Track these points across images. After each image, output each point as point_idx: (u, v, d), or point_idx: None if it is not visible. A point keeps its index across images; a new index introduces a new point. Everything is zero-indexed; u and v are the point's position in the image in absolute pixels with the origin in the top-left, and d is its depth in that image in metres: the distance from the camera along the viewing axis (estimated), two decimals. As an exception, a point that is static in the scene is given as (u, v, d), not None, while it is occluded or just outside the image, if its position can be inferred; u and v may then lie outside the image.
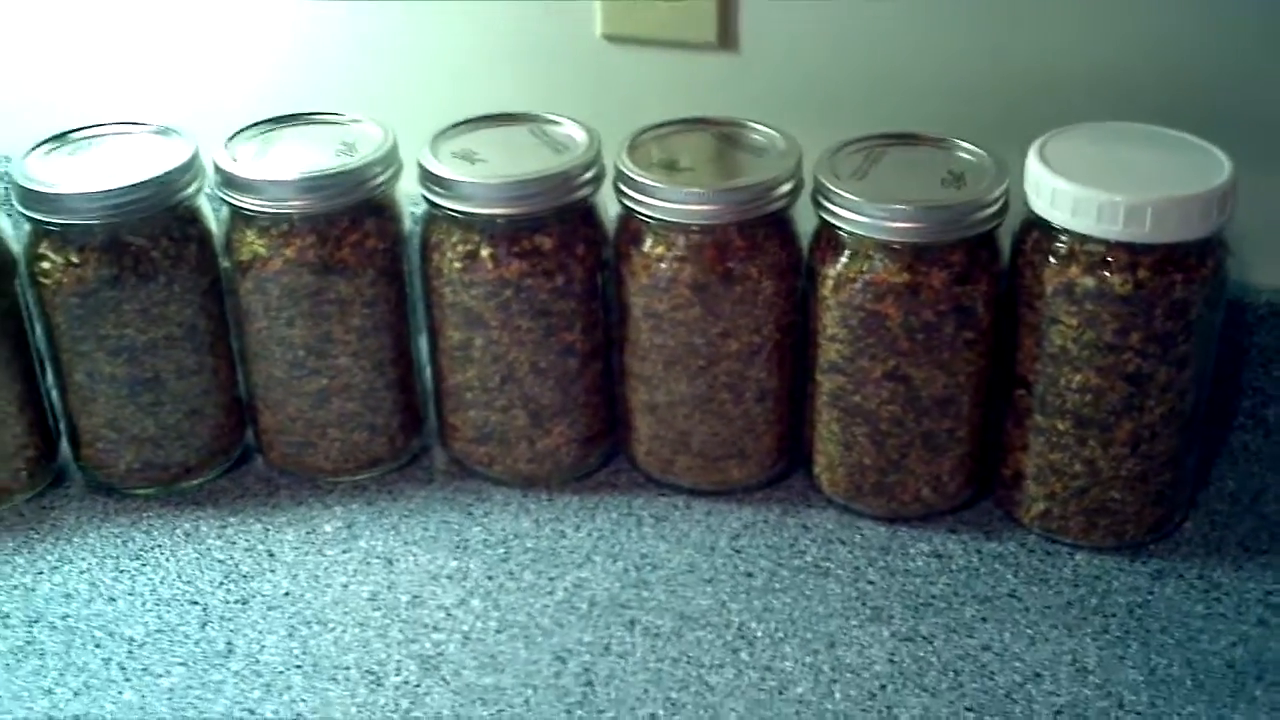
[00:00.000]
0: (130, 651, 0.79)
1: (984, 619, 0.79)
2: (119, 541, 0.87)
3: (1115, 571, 0.82)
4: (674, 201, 0.80)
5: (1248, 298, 0.89)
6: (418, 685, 0.76)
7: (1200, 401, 0.81)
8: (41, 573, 0.85)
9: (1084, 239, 0.76)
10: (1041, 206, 0.77)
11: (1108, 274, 0.76)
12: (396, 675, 0.77)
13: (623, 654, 0.78)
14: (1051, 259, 0.78)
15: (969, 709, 0.74)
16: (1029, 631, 0.78)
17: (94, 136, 0.88)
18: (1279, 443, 0.92)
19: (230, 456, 0.92)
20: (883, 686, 0.75)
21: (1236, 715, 0.73)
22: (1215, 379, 0.85)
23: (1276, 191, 0.85)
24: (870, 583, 0.82)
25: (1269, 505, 0.87)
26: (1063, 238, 0.77)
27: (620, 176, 0.83)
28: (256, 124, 0.88)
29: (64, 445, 0.92)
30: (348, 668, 0.77)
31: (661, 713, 0.74)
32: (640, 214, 0.82)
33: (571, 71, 0.96)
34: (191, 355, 0.87)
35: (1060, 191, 0.76)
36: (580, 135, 0.86)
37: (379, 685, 0.76)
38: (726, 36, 0.92)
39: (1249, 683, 0.75)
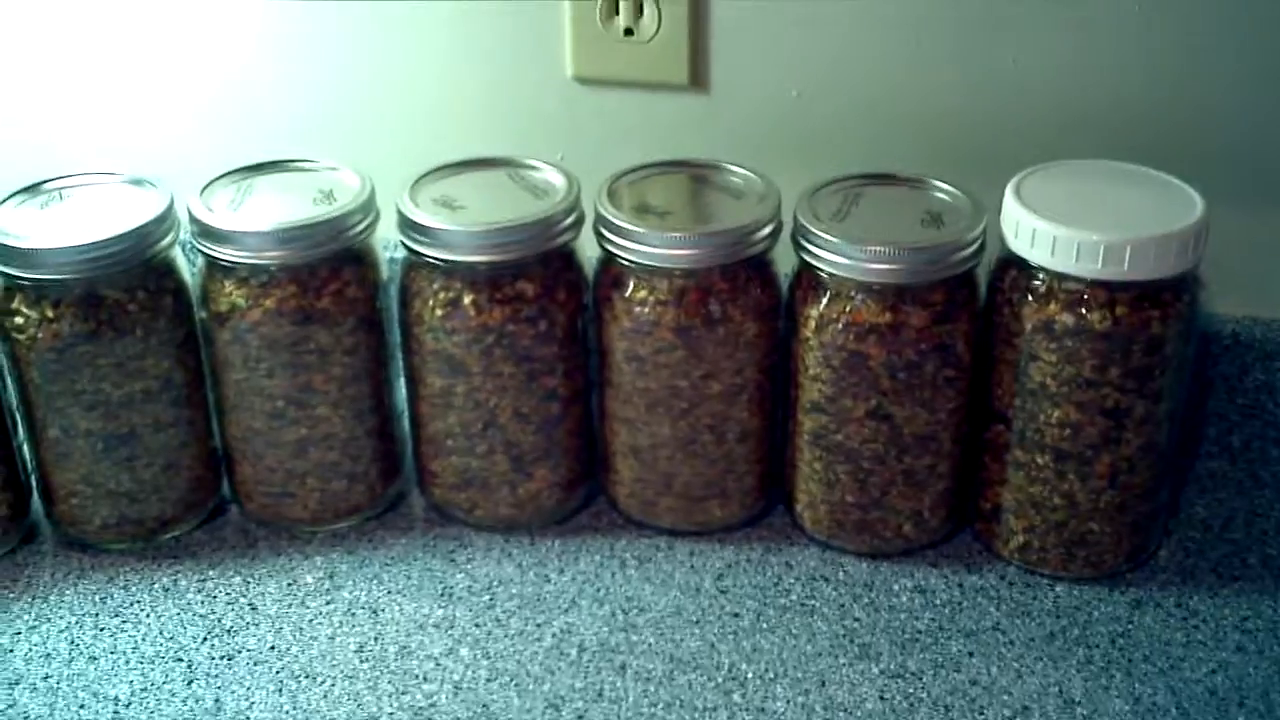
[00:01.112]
0: (116, 712, 0.78)
1: (970, 653, 0.80)
2: (97, 598, 0.86)
3: (1095, 602, 0.84)
4: (657, 246, 0.81)
5: (1213, 327, 0.91)
6: (412, 737, 0.76)
7: (1174, 433, 0.83)
8: (19, 632, 0.83)
9: (1062, 277, 0.77)
10: (1020, 246, 0.78)
11: (1086, 311, 0.77)
12: (390, 728, 0.77)
13: (615, 699, 0.78)
14: (1030, 297, 0.79)
15: (962, 744, 0.75)
16: (1015, 665, 0.79)
17: (65, 188, 0.87)
18: (1245, 469, 0.94)
19: (206, 508, 0.92)
20: (876, 724, 0.76)
21: (1223, 743, 0.75)
22: (1184, 411, 0.87)
23: (1239, 225, 0.87)
24: (856, 620, 0.83)
25: (1238, 531, 0.89)
26: (1041, 276, 0.78)
27: (601, 221, 0.83)
28: (231, 172, 0.88)
29: (35, 501, 0.91)
30: (340, 721, 0.77)
31: (658, 757, 0.75)
32: (622, 259, 0.82)
33: (542, 112, 0.96)
34: (168, 408, 0.86)
35: (1040, 231, 0.77)
36: (558, 179, 0.86)
37: (372, 738, 0.76)
38: (698, 77, 0.93)
39: (1232, 709, 0.76)
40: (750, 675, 0.79)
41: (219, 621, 0.84)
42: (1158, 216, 0.77)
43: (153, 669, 0.81)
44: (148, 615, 0.84)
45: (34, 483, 0.90)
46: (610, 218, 0.82)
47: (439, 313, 0.83)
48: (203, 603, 0.85)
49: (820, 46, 0.91)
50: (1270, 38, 0.85)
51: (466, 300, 0.83)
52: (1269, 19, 0.85)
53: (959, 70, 0.89)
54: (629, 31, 0.92)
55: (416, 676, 0.79)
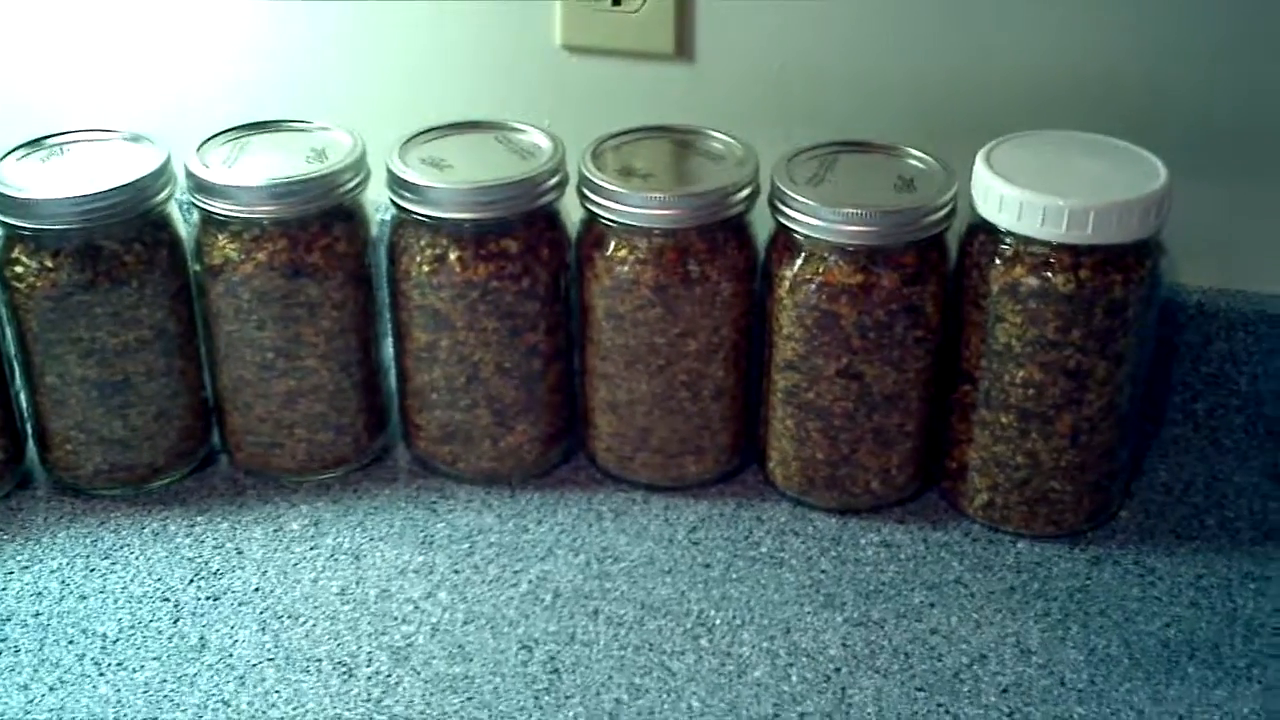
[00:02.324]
0: (104, 647, 0.80)
1: (932, 604, 0.83)
2: (88, 541, 0.88)
3: (1055, 558, 0.86)
4: (637, 206, 0.83)
5: (1179, 297, 0.93)
6: (389, 675, 0.78)
7: (1135, 396, 0.85)
8: (11, 572, 0.86)
9: (1028, 241, 0.80)
10: (988, 210, 0.81)
11: (1051, 274, 0.80)
12: (368, 666, 0.79)
13: (587, 642, 0.80)
14: (997, 260, 0.81)
15: (919, 689, 0.77)
16: (974, 616, 0.82)
17: (67, 143, 0.90)
18: (1208, 436, 0.97)
19: (197, 457, 0.94)
20: (837, 669, 0.78)
21: (1171, 691, 0.77)
22: (1148, 376, 0.89)
23: (1204, 196, 0.90)
24: (823, 572, 0.85)
25: (1198, 495, 0.92)
26: (1008, 240, 0.81)
27: (584, 182, 0.86)
28: (227, 130, 0.90)
29: (31, 447, 0.94)
30: (320, 660, 0.79)
31: (626, 698, 0.77)
32: (604, 218, 0.85)
33: (532, 80, 0.99)
34: (161, 358, 0.89)
35: (1007, 197, 0.79)
36: (545, 142, 0.88)
37: (351, 676, 0.78)
38: (683, 47, 0.96)
39: (1182, 660, 0.79)
40: (718, 621, 0.82)
41: (206, 564, 0.86)
42: (1122, 183, 0.80)
43: (140, 608, 0.83)
44: (137, 557, 0.87)
45: (30, 429, 0.93)
46: (593, 178, 0.85)
47: (425, 268, 0.86)
48: (190, 546, 0.88)
49: (802, 19, 0.93)
50: (1237, 10, 0.87)
51: (452, 256, 0.85)
52: (1235, -5, 0.87)
53: (935, 44, 0.92)
54: (617, 1, 0.95)
55: (395, 618, 0.82)
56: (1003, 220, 0.80)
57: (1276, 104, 0.89)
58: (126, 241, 0.86)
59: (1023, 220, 0.79)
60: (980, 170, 0.82)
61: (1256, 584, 0.84)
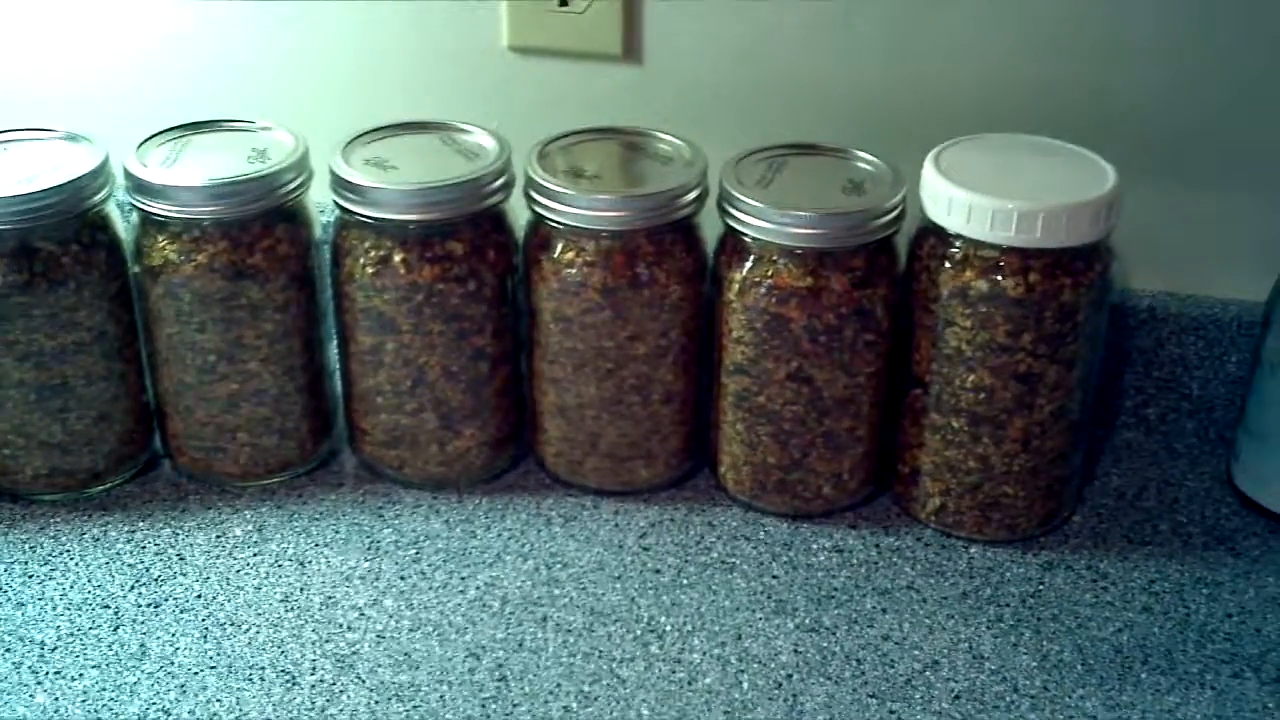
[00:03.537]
0: (42, 655, 0.79)
1: (884, 610, 0.82)
2: (26, 547, 0.87)
3: (1008, 563, 0.86)
4: (584, 208, 0.82)
5: (1129, 302, 0.93)
6: (333, 684, 0.77)
7: (1087, 400, 0.85)
8: (-53, 579, 0.84)
9: (978, 244, 0.79)
10: (938, 214, 0.80)
11: (1000, 278, 0.79)
12: (312, 674, 0.78)
13: (535, 650, 0.79)
14: (947, 264, 0.81)
15: (871, 696, 0.76)
16: (927, 621, 0.81)
17: (3, 141, 0.88)
18: (1160, 440, 0.96)
19: (138, 462, 0.93)
20: (788, 676, 0.78)
21: (1124, 696, 0.76)
22: (1100, 381, 0.89)
23: (1155, 202, 0.90)
24: (774, 577, 0.85)
25: (1150, 500, 0.91)
26: (958, 243, 0.80)
27: (531, 183, 0.85)
28: (167, 130, 0.89)
29: (-33, 452, 0.92)
30: (263, 668, 0.78)
31: (575, 705, 0.76)
32: (551, 220, 0.84)
33: (478, 81, 0.97)
34: (100, 361, 0.87)
35: (956, 199, 0.79)
36: (490, 143, 0.87)
37: (294, 684, 0.77)
38: (631, 49, 0.95)
39: (1135, 665, 0.78)
40: (669, 628, 0.81)
41: (147, 571, 0.85)
42: (1071, 187, 0.80)
43: (79, 615, 0.82)
44: (76, 564, 0.85)
45: (-34, 434, 0.91)
46: (539, 180, 0.84)
47: (369, 270, 0.85)
48: (131, 553, 0.86)
49: (749, 21, 0.92)
50: (1184, 15, 0.87)
51: (397, 259, 0.84)
52: (1187, -1, 0.87)
53: (883, 48, 0.92)
54: (563, 2, 0.94)
55: (340, 625, 0.81)
56: (952, 223, 0.80)
57: (1224, 107, 0.89)
58: (64, 242, 0.84)
59: (972, 223, 0.79)
60: (929, 173, 0.82)
61: (1209, 589, 0.84)
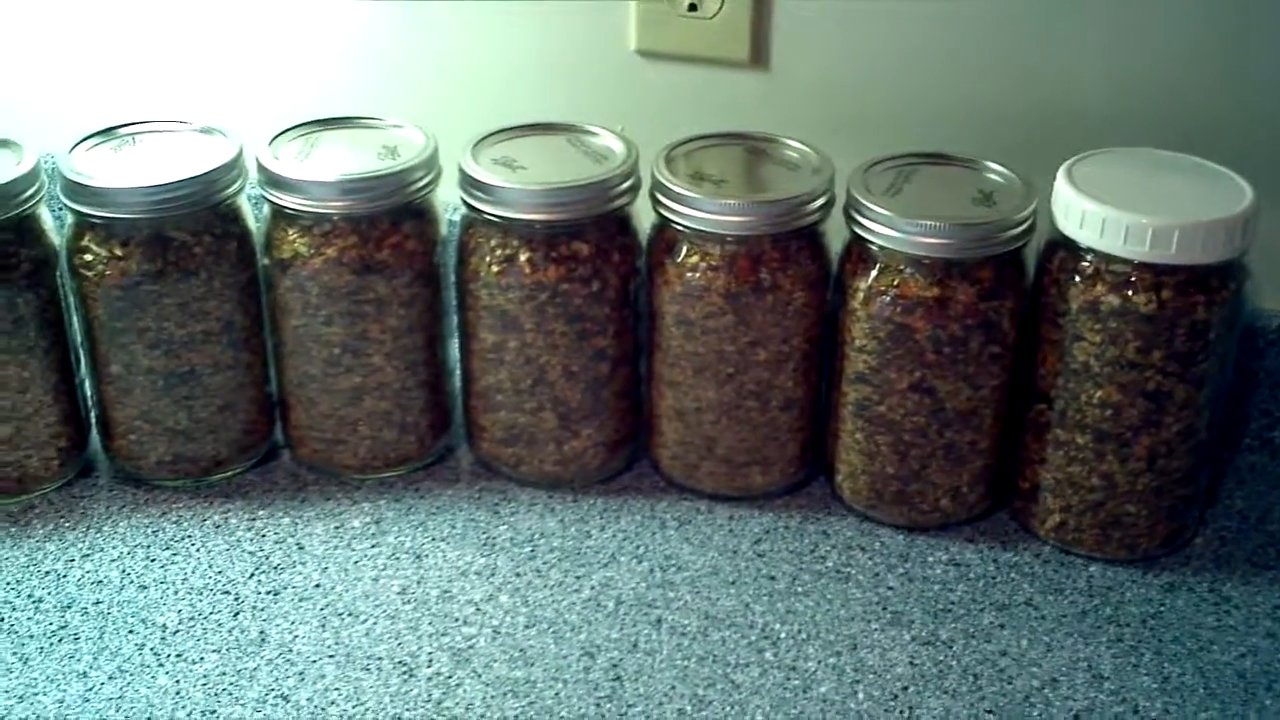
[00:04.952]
0: (164, 638, 0.80)
1: (1001, 626, 0.81)
2: (149, 531, 0.88)
3: (1128, 583, 0.84)
4: (710, 212, 0.82)
5: (1259, 322, 0.92)
6: (450, 677, 0.77)
7: (1214, 420, 0.83)
8: (73, 560, 0.86)
9: (1110, 259, 0.78)
10: (1069, 227, 0.80)
11: (1132, 293, 0.78)
12: (429, 667, 0.78)
13: (650, 651, 0.79)
14: (1077, 278, 0.80)
15: (989, 712, 0.76)
16: (1045, 639, 0.80)
17: (138, 133, 0.90)
18: (1284, 464, 0.95)
19: (259, 451, 0.94)
20: (905, 688, 0.77)
21: (1248, 723, 0.75)
22: (1226, 401, 0.88)
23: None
24: (890, 588, 0.84)
25: (1275, 524, 0.90)
26: (1089, 257, 0.79)
27: (657, 186, 0.85)
28: (300, 125, 0.90)
29: (94, 436, 0.93)
30: (380, 658, 0.79)
31: (689, 709, 0.76)
32: (676, 224, 0.84)
33: (606, 85, 0.98)
34: (227, 350, 0.89)
35: (1089, 213, 0.78)
36: (618, 146, 0.88)
37: (411, 676, 0.78)
38: (759, 55, 0.95)
39: (1259, 692, 0.77)
40: (783, 635, 0.80)
41: (266, 559, 0.86)
42: (1207, 203, 0.78)
43: (200, 600, 0.83)
44: (198, 549, 0.87)
45: (93, 418, 0.93)
46: (666, 183, 0.84)
47: (495, 269, 0.85)
48: (251, 540, 0.88)
49: (880, 30, 0.92)
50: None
51: (522, 258, 0.85)
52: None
53: (1016, 58, 0.91)
54: (693, 7, 0.94)
55: (457, 619, 0.81)
56: (1084, 237, 0.79)
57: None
58: (196, 233, 0.86)
59: (1105, 237, 0.78)
60: (1062, 185, 0.81)
61: (1334, 616, 0.83)
